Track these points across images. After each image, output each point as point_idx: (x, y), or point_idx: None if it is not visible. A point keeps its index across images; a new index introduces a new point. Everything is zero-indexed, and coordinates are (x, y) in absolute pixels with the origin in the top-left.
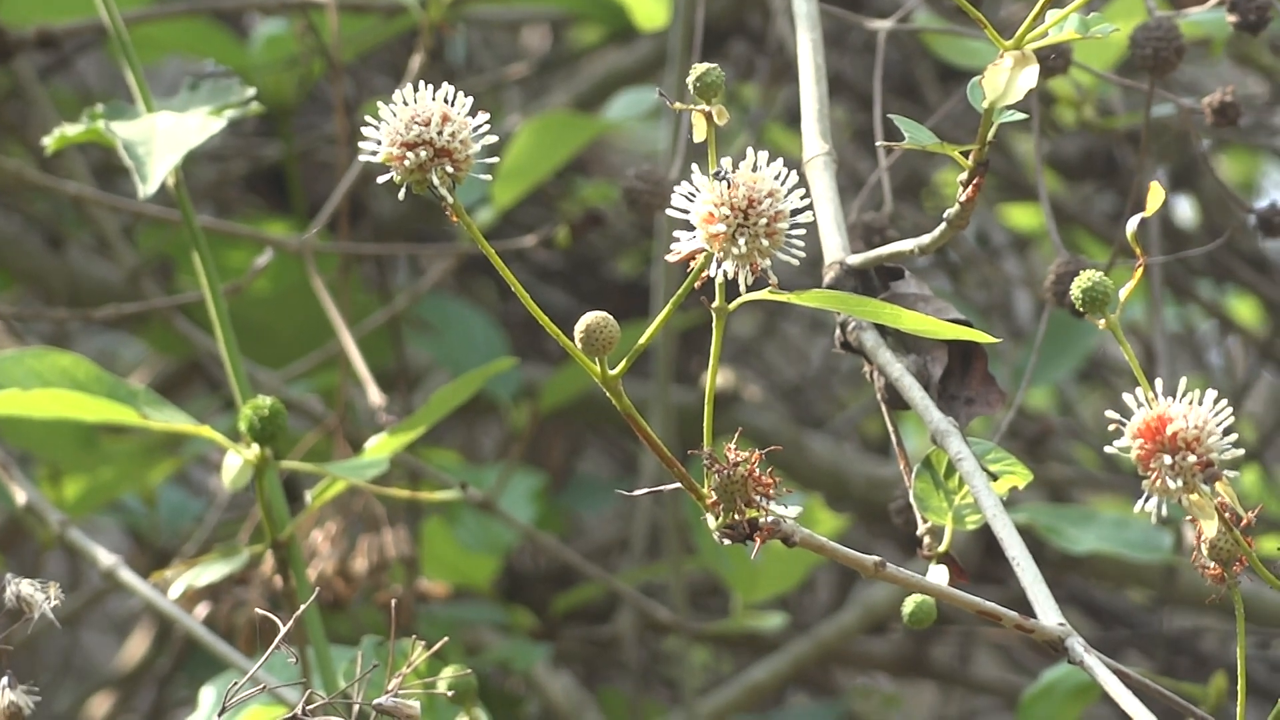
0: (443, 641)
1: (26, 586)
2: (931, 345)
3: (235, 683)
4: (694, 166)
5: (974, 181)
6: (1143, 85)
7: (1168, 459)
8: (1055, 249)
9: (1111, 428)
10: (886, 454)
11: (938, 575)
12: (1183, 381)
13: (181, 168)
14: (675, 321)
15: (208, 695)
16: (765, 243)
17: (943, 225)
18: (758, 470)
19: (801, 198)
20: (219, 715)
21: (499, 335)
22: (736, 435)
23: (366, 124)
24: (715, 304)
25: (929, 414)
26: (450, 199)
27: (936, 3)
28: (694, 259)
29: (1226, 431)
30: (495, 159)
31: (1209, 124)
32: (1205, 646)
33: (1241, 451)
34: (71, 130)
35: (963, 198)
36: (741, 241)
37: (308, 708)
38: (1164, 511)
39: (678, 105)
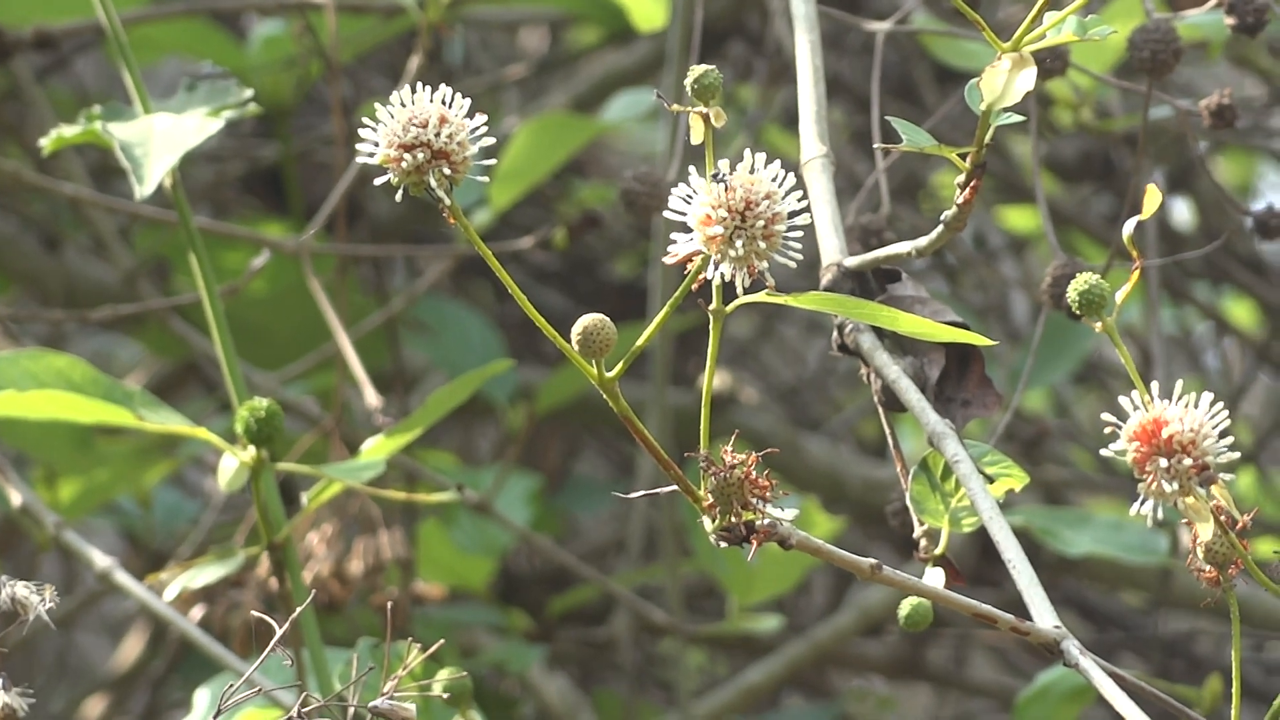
0: (438, 644)
1: (21, 588)
2: (928, 347)
3: (230, 685)
4: (691, 168)
5: (971, 184)
6: (1140, 87)
7: (1163, 462)
8: (1052, 251)
9: (1107, 431)
10: (883, 456)
11: (934, 578)
12: (1179, 384)
13: (178, 169)
14: (672, 323)
15: (202, 697)
16: (762, 245)
17: (940, 227)
18: (754, 473)
19: (799, 200)
20: (214, 718)
21: (496, 337)
22: (733, 437)
23: (364, 125)
24: (712, 306)
25: (926, 416)
26: (447, 201)
27: (935, 4)
28: (691, 261)
29: (1222, 434)
30: (493, 160)
31: (1206, 126)
32: (1200, 649)
33: (1237, 455)
34: (69, 131)
35: (960, 200)
36: (739, 244)
37: (303, 710)
38: (1159, 515)
39: (675, 107)
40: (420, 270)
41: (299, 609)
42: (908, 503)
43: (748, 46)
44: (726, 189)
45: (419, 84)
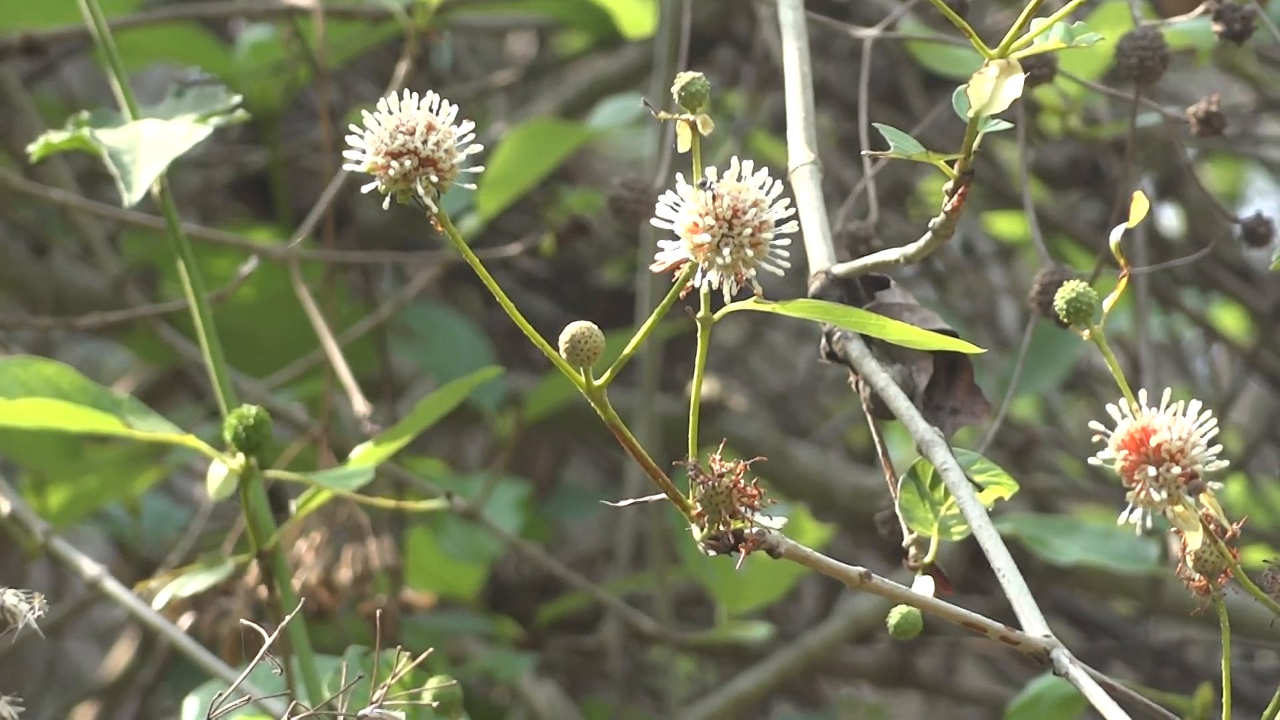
0: (428, 652)
1: (10, 596)
2: (917, 355)
3: (220, 693)
4: (679, 175)
5: (959, 191)
6: (1128, 94)
7: (1151, 471)
8: (1040, 258)
9: (1096, 439)
10: (872, 464)
11: (923, 586)
12: (1167, 392)
13: (166, 175)
14: (660, 330)
15: (192, 705)
16: (750, 253)
17: (928, 234)
18: (742, 481)
19: (786, 207)
20: None
21: (484, 343)
22: (722, 445)
23: (352, 132)
24: (700, 314)
25: (914, 424)
26: (435, 208)
27: (922, 11)
28: (679, 269)
29: (1211, 443)
30: (480, 168)
31: (1194, 133)
32: (1191, 658)
33: (1226, 463)
34: (56, 137)
35: (948, 207)
36: (726, 252)
37: (293, 718)
38: (1148, 523)
39: (662, 114)
40: (408, 277)
41: (288, 617)
42: (897, 511)
43: (736, 53)
44: (714, 197)
45: (407, 90)
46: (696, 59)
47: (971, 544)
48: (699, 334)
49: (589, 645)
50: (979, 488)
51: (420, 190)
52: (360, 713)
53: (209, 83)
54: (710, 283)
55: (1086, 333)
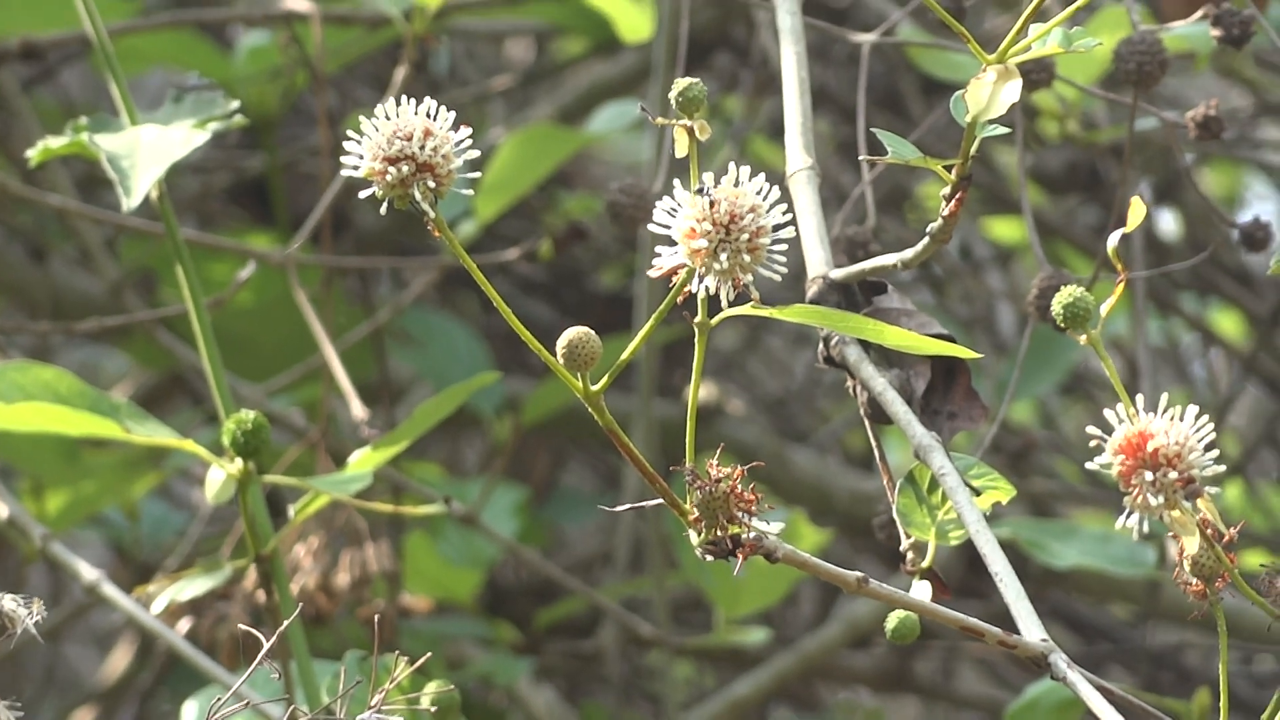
0: (426, 656)
1: (9, 601)
2: (914, 360)
3: (218, 698)
4: (676, 181)
5: (957, 195)
6: (1126, 99)
7: (1149, 475)
8: (1038, 262)
9: (1093, 444)
10: (870, 468)
11: (921, 591)
12: (1164, 396)
13: (165, 180)
14: (658, 335)
15: (190, 710)
16: (747, 258)
17: (926, 239)
18: (740, 486)
19: (784, 212)
20: None
21: (482, 348)
22: (719, 450)
23: (349, 137)
24: (698, 319)
25: (912, 429)
26: (432, 214)
27: (920, 16)
28: (676, 274)
29: (1208, 447)
30: (478, 173)
31: (1192, 138)
32: (1188, 662)
33: (1223, 468)
34: (55, 143)
35: (946, 212)
36: (723, 257)
37: None
38: (1146, 527)
39: (660, 120)
40: (406, 282)
41: (286, 621)
42: (894, 515)
43: (733, 58)
44: (711, 202)
45: (405, 95)
46: (694, 64)
47: (969, 548)
48: (696, 339)
49: (587, 649)
50: (976, 492)
51: (418, 195)
52: (358, 717)
53: (207, 88)
54: (708, 288)
55: (1084, 337)
